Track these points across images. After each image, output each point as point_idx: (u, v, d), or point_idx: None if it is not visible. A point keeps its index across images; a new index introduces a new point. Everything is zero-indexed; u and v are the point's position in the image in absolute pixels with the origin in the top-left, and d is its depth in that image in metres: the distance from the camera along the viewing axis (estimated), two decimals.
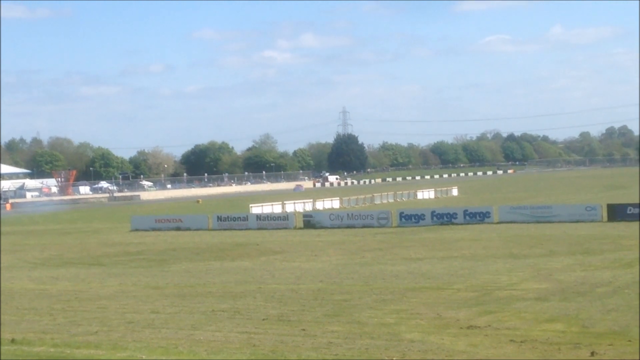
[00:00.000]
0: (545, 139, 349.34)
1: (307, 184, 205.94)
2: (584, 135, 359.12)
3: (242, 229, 64.48)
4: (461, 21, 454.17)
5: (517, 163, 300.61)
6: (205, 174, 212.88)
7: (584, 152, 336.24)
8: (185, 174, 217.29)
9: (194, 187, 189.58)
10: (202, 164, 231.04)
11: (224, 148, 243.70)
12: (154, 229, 67.63)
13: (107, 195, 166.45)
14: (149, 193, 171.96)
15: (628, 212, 56.69)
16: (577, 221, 56.42)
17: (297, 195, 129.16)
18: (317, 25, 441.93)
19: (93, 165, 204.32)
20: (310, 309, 25.19)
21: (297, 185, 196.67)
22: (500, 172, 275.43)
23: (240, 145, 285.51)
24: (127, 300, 28.47)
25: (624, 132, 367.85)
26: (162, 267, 41.06)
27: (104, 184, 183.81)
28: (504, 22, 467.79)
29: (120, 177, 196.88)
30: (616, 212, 57.01)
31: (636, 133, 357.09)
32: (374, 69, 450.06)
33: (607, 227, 52.58)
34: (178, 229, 67.20)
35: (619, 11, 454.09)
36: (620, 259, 35.49)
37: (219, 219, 67.66)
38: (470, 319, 22.53)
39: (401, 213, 63.33)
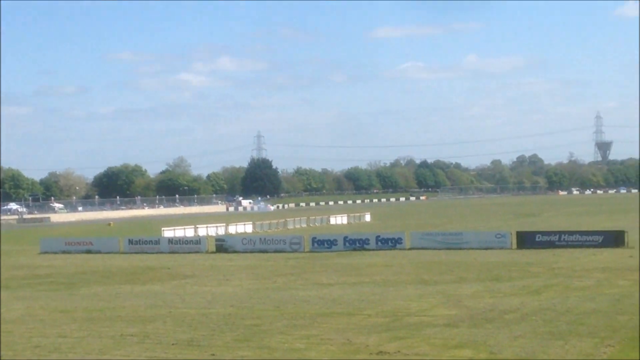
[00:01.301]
0: (457, 166, 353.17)
1: (220, 207, 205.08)
2: (496, 163, 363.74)
3: (153, 253, 63.95)
4: (376, 47, 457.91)
5: (430, 190, 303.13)
6: (118, 197, 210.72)
7: (495, 179, 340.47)
8: (97, 197, 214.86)
9: (105, 210, 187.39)
10: (114, 186, 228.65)
11: (137, 171, 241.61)
12: (63, 252, 66.73)
13: (16, 217, 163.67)
14: (60, 215, 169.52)
15: (537, 239, 57.55)
16: (487, 248, 57.00)
17: (210, 219, 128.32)
18: (234, 49, 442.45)
19: (2, 187, 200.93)
20: (220, 333, 25.09)
21: (262, 204, 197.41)
22: (413, 198, 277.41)
23: (153, 168, 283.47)
24: (33, 324, 28.03)
25: (534, 160, 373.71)
26: (71, 290, 40.53)
27: (13, 205, 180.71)
28: (419, 50, 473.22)
29: (30, 198, 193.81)
30: (525, 240, 57.80)
31: (546, 162, 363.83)
32: (290, 93, 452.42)
33: (516, 254, 53.25)
34: (88, 251, 66.37)
35: (530, 41, 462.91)
36: (529, 286, 36.00)
37: (131, 242, 67.03)
38: (380, 344, 22.63)
39: (314, 238, 63.43)
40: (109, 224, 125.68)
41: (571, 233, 58.84)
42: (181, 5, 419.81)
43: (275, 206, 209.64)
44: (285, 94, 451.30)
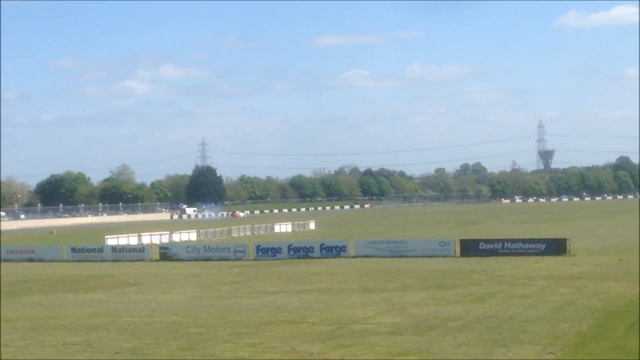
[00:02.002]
0: (401, 174, 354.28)
1: (164, 215, 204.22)
2: (439, 172, 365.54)
3: (96, 261, 63.49)
4: (321, 56, 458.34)
5: (374, 198, 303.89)
6: (61, 205, 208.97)
7: (439, 187, 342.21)
8: (39, 204, 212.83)
9: (48, 218, 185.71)
10: (57, 194, 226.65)
11: (80, 178, 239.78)
12: (5, 260, 65.89)
13: None
14: (2, 223, 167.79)
15: (480, 247, 57.97)
16: (431, 256, 57.26)
17: (154, 227, 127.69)
18: (178, 56, 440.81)
19: None
20: (164, 342, 24.97)
21: (232, 214, 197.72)
22: (357, 206, 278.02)
23: (97, 176, 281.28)
24: None
25: (477, 169, 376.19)
26: (13, 299, 40.08)
27: None
28: (363, 58, 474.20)
29: None
30: (468, 248, 58.19)
31: (489, 170, 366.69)
32: (235, 101, 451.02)
33: (459, 262, 53.58)
34: (31, 260, 65.79)
35: (474, 50, 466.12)
36: (472, 294, 36.23)
37: (74, 250, 66.53)
38: (324, 352, 22.66)
39: (258, 246, 63.37)
40: (52, 232, 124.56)
41: (514, 241, 59.35)
42: (124, 12, 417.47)
43: (242, 213, 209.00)
44: (230, 102, 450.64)
